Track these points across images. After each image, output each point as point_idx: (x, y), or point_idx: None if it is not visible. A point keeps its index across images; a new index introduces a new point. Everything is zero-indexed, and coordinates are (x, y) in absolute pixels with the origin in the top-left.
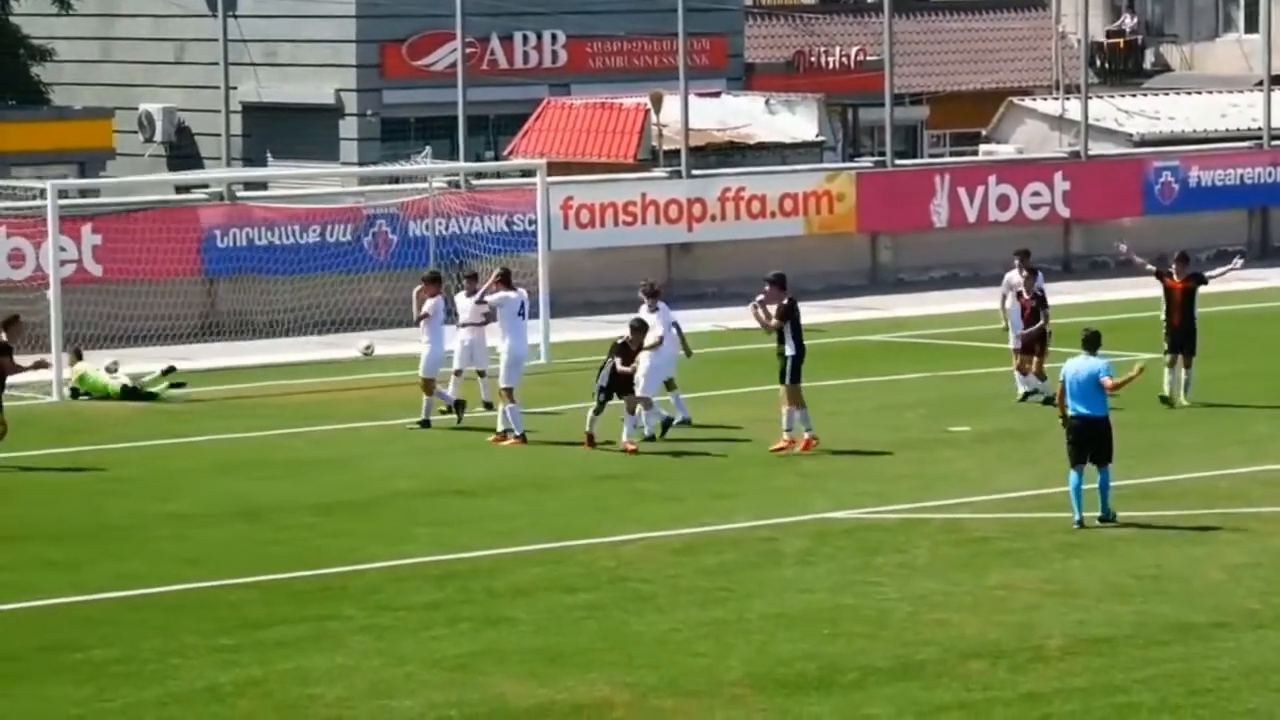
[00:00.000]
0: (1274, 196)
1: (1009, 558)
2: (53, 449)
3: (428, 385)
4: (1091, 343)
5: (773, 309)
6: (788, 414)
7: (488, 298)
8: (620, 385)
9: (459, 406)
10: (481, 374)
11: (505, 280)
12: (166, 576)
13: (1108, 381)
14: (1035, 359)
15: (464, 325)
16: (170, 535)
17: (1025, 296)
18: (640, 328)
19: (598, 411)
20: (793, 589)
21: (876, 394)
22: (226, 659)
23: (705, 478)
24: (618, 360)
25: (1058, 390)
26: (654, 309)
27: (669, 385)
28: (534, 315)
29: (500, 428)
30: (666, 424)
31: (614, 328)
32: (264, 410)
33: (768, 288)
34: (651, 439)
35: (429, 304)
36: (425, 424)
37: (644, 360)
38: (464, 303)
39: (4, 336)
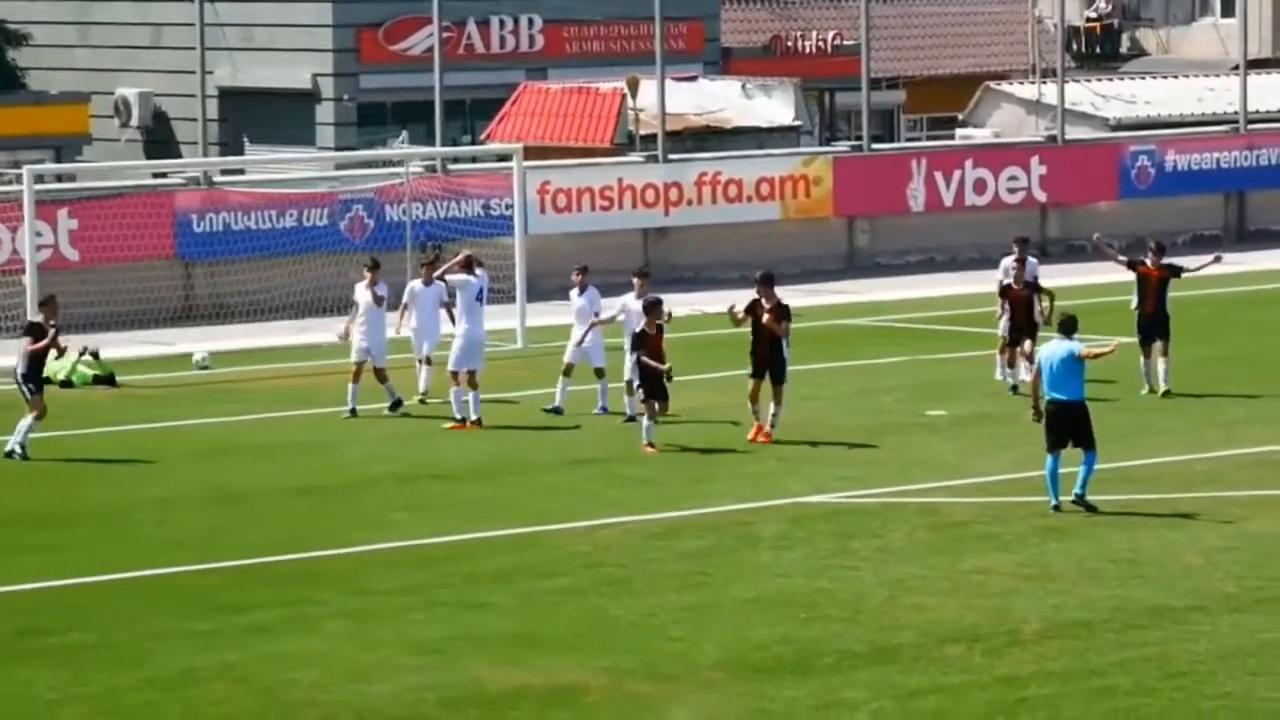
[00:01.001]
0: (1250, 181)
1: (986, 542)
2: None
3: (380, 374)
4: (1067, 327)
5: (739, 310)
6: (775, 412)
7: (449, 277)
8: (653, 381)
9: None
10: (428, 361)
11: (469, 266)
12: (144, 561)
13: (1084, 350)
14: (1026, 344)
15: (415, 310)
16: (148, 520)
17: (1016, 288)
18: (654, 304)
19: (651, 417)
20: (769, 573)
21: (853, 378)
22: (203, 643)
23: (682, 462)
24: (641, 354)
25: (1034, 373)
26: (583, 291)
27: (599, 374)
28: (511, 299)
29: (474, 414)
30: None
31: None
32: (241, 395)
33: (758, 287)
34: (605, 412)
35: (378, 290)
36: (396, 405)
37: (580, 333)
38: (417, 287)
39: (40, 316)
